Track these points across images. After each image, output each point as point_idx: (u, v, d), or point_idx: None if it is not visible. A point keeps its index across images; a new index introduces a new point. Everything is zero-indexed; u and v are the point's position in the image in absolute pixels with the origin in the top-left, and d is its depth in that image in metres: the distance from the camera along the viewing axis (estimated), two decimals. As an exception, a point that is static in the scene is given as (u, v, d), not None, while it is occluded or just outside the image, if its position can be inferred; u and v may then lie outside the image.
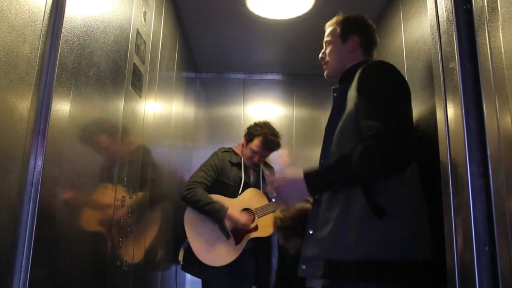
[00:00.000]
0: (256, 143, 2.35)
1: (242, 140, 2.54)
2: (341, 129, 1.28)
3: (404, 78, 1.26)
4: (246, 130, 2.47)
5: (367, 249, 1.12)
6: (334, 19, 1.50)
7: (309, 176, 1.19)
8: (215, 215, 2.20)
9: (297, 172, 1.22)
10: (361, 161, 1.11)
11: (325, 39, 1.51)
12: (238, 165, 2.40)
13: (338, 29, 1.46)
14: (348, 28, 1.44)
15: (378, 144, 1.11)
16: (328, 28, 1.51)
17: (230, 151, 2.47)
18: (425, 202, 1.21)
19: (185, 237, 2.26)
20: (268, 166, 2.64)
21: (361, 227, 1.14)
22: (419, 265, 1.13)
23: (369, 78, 1.24)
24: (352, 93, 1.27)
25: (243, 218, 2.25)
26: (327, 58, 1.47)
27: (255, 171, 2.49)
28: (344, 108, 1.30)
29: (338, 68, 1.44)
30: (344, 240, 1.15)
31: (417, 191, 1.22)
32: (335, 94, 1.42)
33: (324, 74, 1.50)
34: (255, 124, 2.44)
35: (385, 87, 1.22)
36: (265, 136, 2.33)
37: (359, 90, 1.23)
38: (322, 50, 1.50)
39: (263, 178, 2.49)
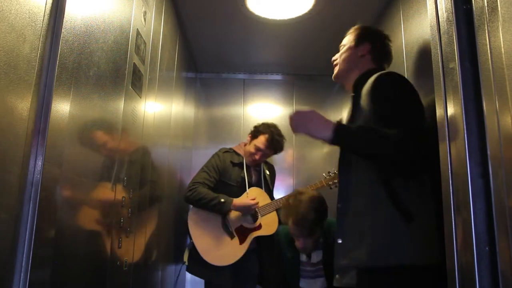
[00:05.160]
0: (261, 139, 2.35)
1: (242, 140, 2.53)
2: None
3: (415, 90, 1.28)
4: (253, 128, 2.47)
5: (399, 255, 1.16)
6: (353, 27, 1.57)
7: (341, 125, 1.21)
8: (222, 208, 2.20)
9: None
10: (390, 138, 1.15)
11: (341, 44, 1.56)
12: (240, 165, 2.40)
13: (353, 35, 1.52)
14: (362, 35, 1.50)
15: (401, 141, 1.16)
16: (346, 36, 1.56)
17: (231, 151, 2.47)
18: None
19: (188, 237, 2.27)
20: (269, 164, 2.64)
21: (392, 234, 1.18)
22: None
23: (383, 88, 1.27)
24: (364, 102, 1.29)
25: (249, 201, 2.26)
26: (338, 60, 1.52)
27: (256, 171, 2.50)
28: (358, 117, 1.33)
29: (346, 70, 1.48)
30: (376, 248, 1.19)
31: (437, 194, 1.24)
32: (351, 102, 1.45)
33: (332, 76, 1.54)
34: (263, 123, 2.45)
35: (400, 96, 1.24)
36: (271, 134, 2.34)
37: (373, 100, 1.25)
38: (336, 54, 1.56)
39: (265, 177, 2.49)
